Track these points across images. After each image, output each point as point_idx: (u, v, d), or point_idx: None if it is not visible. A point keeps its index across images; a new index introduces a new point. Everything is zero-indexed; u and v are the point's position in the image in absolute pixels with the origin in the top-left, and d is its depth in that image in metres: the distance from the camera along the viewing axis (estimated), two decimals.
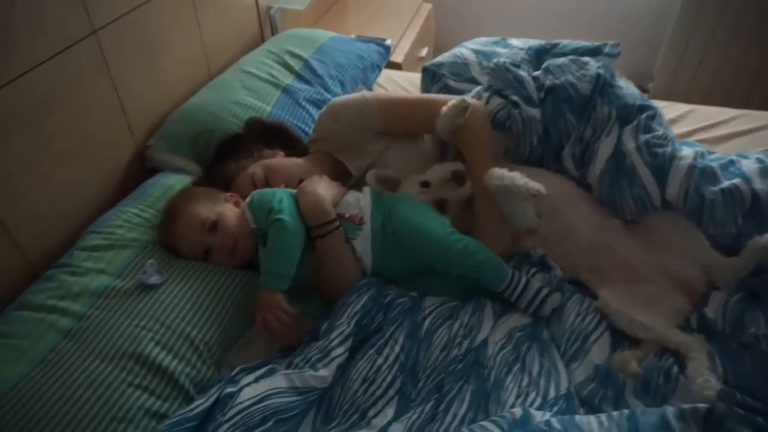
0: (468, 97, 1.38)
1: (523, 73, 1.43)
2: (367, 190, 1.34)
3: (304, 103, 1.67)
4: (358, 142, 1.44)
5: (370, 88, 2.00)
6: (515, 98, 1.39)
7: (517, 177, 1.25)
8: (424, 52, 2.69)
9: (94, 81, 1.33)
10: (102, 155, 1.40)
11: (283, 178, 1.36)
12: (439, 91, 1.69)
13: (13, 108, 1.14)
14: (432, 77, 1.74)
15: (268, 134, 1.49)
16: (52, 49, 1.20)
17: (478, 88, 1.54)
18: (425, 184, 1.37)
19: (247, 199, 1.28)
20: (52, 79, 1.21)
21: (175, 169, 1.48)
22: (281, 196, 1.25)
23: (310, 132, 1.62)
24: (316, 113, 1.67)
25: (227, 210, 1.26)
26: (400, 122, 1.44)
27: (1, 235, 1.15)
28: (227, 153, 1.44)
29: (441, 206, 1.32)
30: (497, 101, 1.41)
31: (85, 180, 1.35)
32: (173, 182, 1.41)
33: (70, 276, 1.13)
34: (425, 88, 1.75)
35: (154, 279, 1.13)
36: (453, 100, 1.36)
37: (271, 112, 1.60)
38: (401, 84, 2.06)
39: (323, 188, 1.27)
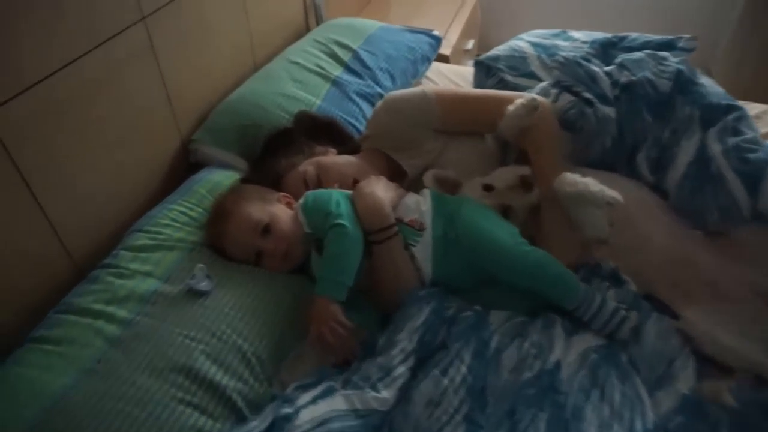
0: (537, 96, 1.28)
1: (595, 68, 1.32)
2: (427, 192, 1.25)
3: (354, 96, 1.58)
4: (415, 140, 1.35)
5: (419, 82, 1.90)
6: (588, 95, 1.28)
7: (591, 183, 1.14)
8: (470, 44, 2.58)
9: (141, 68, 1.26)
10: (148, 147, 1.34)
11: (337, 177, 1.28)
12: (494, 86, 1.59)
13: (63, 95, 1.07)
14: (487, 71, 1.64)
15: (318, 129, 1.41)
16: (102, 35, 1.13)
17: (543, 84, 1.43)
18: (488, 188, 1.28)
19: (301, 201, 1.20)
20: (102, 66, 1.15)
21: (220, 165, 1.41)
22: (337, 198, 1.17)
23: (361, 128, 1.54)
24: (366, 108, 1.59)
25: (280, 212, 1.18)
26: (461, 120, 1.34)
27: (44, 229, 1.09)
28: (276, 148, 1.37)
29: (504, 213, 1.23)
30: (567, 99, 1.30)
31: (130, 173, 1.29)
32: (220, 178, 1.33)
33: (116, 278, 1.07)
34: (478, 83, 1.64)
35: (203, 285, 1.06)
36: (521, 98, 1.26)
37: (320, 105, 1.52)
38: (451, 78, 1.96)
39: (381, 190, 1.19)
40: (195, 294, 1.05)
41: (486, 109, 1.31)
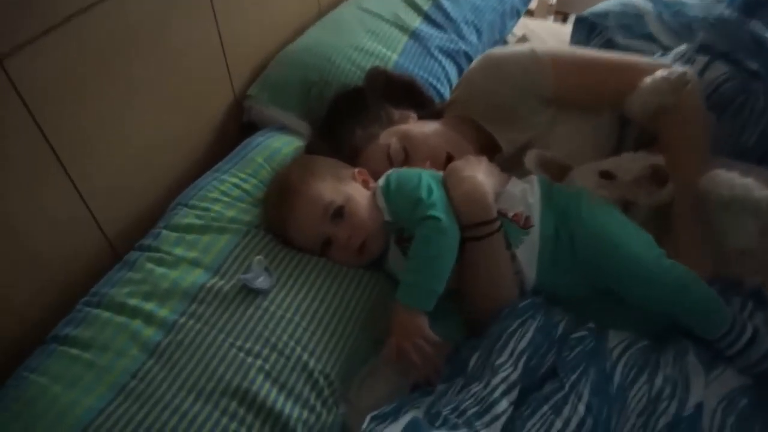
0: (687, 68, 1.01)
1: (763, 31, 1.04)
2: (534, 180, 1.01)
3: (435, 52, 1.33)
4: (516, 111, 1.11)
5: (507, 39, 1.63)
6: (754, 66, 1.01)
7: (753, 187, 0.89)
8: None
9: (192, 10, 1.04)
10: (195, 102, 1.13)
11: (428, 153, 1.05)
12: (600, 48, 1.31)
13: (100, 38, 0.87)
14: (590, 30, 1.37)
15: (395, 90, 1.17)
16: None
17: (681, 48, 1.16)
18: (607, 176, 1.03)
19: (381, 182, 0.98)
20: (147, 6, 0.93)
21: (279, 128, 1.20)
22: (428, 181, 0.94)
23: (443, 90, 1.30)
24: (449, 66, 1.34)
25: (357, 193, 0.97)
26: (579, 90, 1.08)
27: (69, 195, 0.90)
28: (345, 112, 1.14)
29: (624, 210, 0.99)
30: (720, 69, 1.04)
31: (173, 134, 1.09)
32: (279, 145, 1.12)
33: (157, 265, 0.88)
34: (578, 43, 1.38)
35: (261, 282, 0.87)
36: (664, 69, 1.00)
37: (397, 61, 1.28)
38: (542, 36, 1.69)
39: (483, 173, 0.96)
40: (251, 292, 0.86)
41: (614, 80, 1.05)
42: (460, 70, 1.36)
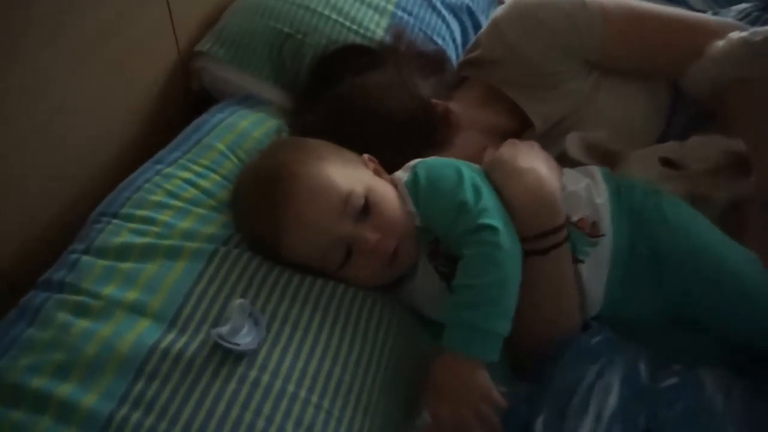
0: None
1: None
2: (598, 173, 0.77)
3: (439, 5, 1.04)
4: (554, 75, 0.86)
5: None
6: None
7: None
8: None
9: None
10: (120, 65, 0.79)
11: (468, 138, 0.79)
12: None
13: None
14: None
15: (419, 60, 0.89)
16: None
17: (742, 5, 0.95)
18: (670, 165, 0.81)
19: (406, 176, 0.70)
20: None
21: (243, 99, 0.88)
22: (471, 176, 0.68)
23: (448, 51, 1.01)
24: (454, 24, 1.06)
25: (377, 183, 0.70)
26: (632, 53, 0.86)
27: None
28: (354, 67, 0.84)
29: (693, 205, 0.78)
30: None
31: (87, 110, 0.75)
32: (246, 125, 0.81)
33: (76, 316, 0.56)
34: None
35: (244, 337, 0.57)
36: (739, 31, 0.79)
37: (393, 13, 0.98)
38: None
39: (544, 164, 0.70)
40: (229, 355, 0.56)
41: (678, 41, 0.83)
42: (464, 29, 1.08)
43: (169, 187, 0.70)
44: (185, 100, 0.91)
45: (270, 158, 0.70)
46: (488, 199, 0.65)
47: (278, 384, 0.56)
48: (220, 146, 0.77)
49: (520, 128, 0.89)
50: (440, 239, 0.68)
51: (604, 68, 0.88)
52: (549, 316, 0.69)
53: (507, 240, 0.62)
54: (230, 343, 0.56)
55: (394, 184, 0.71)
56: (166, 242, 0.64)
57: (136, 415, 0.51)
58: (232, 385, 0.55)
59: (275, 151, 0.72)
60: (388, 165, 0.74)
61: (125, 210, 0.67)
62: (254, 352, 0.57)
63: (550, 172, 0.70)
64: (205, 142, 0.77)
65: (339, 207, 0.65)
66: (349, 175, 0.67)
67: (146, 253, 0.63)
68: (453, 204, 0.65)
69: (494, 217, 0.63)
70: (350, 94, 0.80)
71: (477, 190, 0.65)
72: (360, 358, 0.62)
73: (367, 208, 0.66)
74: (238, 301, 0.57)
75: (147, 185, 0.70)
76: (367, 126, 0.77)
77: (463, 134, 0.82)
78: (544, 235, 0.67)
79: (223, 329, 0.57)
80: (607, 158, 0.84)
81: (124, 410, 0.51)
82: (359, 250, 0.65)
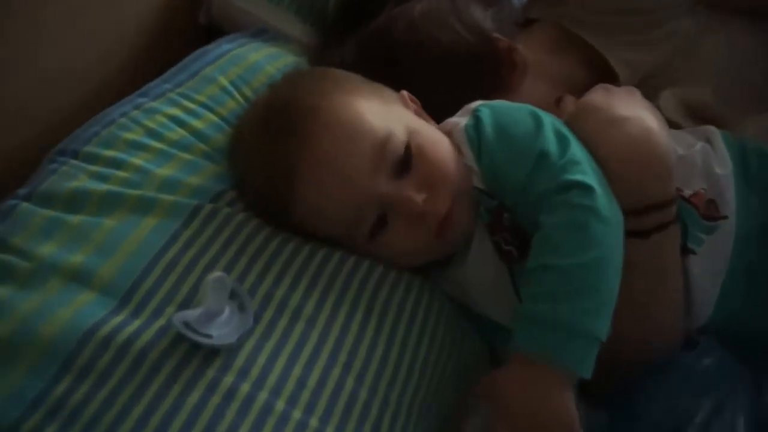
0: None
1: None
2: (717, 135, 0.58)
3: None
4: (651, 11, 0.68)
5: None
6: None
7: None
8: None
9: None
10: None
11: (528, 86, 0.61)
12: None
13: None
14: None
15: None
16: None
17: None
18: None
19: (464, 121, 0.52)
20: None
21: (258, 32, 0.71)
22: (551, 121, 0.50)
23: None
24: None
25: (422, 125, 0.52)
26: None
27: None
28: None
29: None
30: None
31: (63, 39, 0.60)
32: (259, 58, 0.65)
33: None
34: None
35: (221, 326, 0.40)
36: None
37: None
38: None
39: (653, 116, 0.52)
40: (199, 351, 0.40)
41: None
42: None
43: (150, 124, 0.54)
44: (192, 37, 0.75)
45: (284, 90, 0.53)
46: (578, 150, 0.47)
47: (262, 397, 0.39)
48: (223, 80, 0.60)
49: (599, 82, 0.70)
50: (506, 206, 0.49)
51: (717, 4, 0.69)
52: (642, 323, 0.50)
53: (606, 204, 0.44)
54: (199, 333, 0.40)
55: (446, 133, 0.53)
56: (135, 192, 0.48)
57: (50, 430, 0.35)
58: (197, 393, 0.38)
59: (291, 81, 0.55)
60: (434, 114, 0.56)
61: (89, 149, 0.51)
62: (234, 348, 0.41)
63: (660, 125, 0.51)
64: (205, 74, 0.61)
65: (373, 155, 0.47)
66: (386, 114, 0.50)
67: (105, 205, 0.47)
68: (530, 155, 0.46)
69: (587, 173, 0.45)
70: (390, 26, 0.62)
71: (562, 139, 0.47)
72: (383, 367, 0.45)
73: (409, 158, 0.49)
74: (214, 276, 0.40)
75: (122, 120, 0.54)
76: (411, 64, 0.60)
77: (529, 82, 0.64)
78: (647, 211, 0.48)
79: (192, 314, 0.40)
80: (713, 124, 0.65)
81: (33, 420, 0.35)
82: (398, 213, 0.48)
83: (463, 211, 0.50)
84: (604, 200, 0.44)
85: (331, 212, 0.49)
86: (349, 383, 0.43)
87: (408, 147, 0.49)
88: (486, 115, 0.51)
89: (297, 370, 0.41)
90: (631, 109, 0.50)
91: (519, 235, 0.48)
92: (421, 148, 0.49)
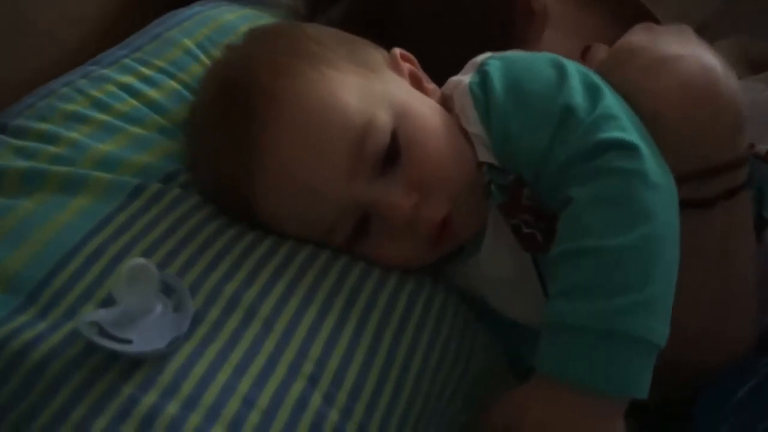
0: None
1: None
2: None
3: None
4: None
5: None
6: None
7: None
8: None
9: None
10: None
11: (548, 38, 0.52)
12: None
13: None
14: None
15: None
16: None
17: None
18: None
19: (468, 79, 0.42)
20: None
21: None
22: (577, 68, 0.39)
23: None
24: None
25: (414, 99, 0.42)
26: None
27: None
28: None
29: None
30: None
31: None
32: (232, 18, 0.56)
33: None
34: None
35: (147, 330, 0.32)
36: None
37: None
38: None
39: (712, 54, 0.40)
40: (114, 362, 0.31)
41: None
42: None
43: (97, 94, 0.46)
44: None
45: (239, 59, 0.44)
46: (613, 102, 0.36)
47: (194, 421, 0.30)
48: (187, 43, 0.52)
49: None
50: (525, 178, 0.39)
51: None
52: (706, 319, 0.40)
53: (654, 166, 0.34)
54: (115, 338, 0.31)
55: (444, 101, 0.43)
56: (62, 169, 0.40)
57: None
58: (103, 420, 0.29)
59: (249, 46, 0.45)
60: (437, 74, 0.47)
61: (19, 122, 0.44)
62: (162, 357, 0.32)
63: (726, 66, 0.39)
64: (167, 36, 0.52)
65: (349, 151, 0.38)
66: (368, 90, 0.40)
67: (26, 184, 0.39)
68: (552, 112, 0.36)
69: (627, 129, 0.34)
70: None
71: (593, 90, 0.37)
72: (362, 383, 0.35)
73: (396, 150, 0.39)
74: (134, 263, 0.32)
75: (64, 90, 0.46)
76: (407, 13, 0.51)
77: (549, 35, 0.54)
78: (711, 174, 0.38)
79: (107, 314, 0.32)
80: None
81: None
82: (382, 221, 0.39)
83: (467, 211, 0.40)
84: (651, 161, 0.33)
85: (298, 222, 0.40)
86: (315, 402, 0.33)
87: (395, 136, 0.39)
88: (495, 69, 0.40)
89: (244, 386, 0.32)
90: (684, 47, 0.39)
91: (543, 216, 0.38)
92: (413, 137, 0.40)
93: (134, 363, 0.31)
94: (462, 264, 0.44)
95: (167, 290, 0.35)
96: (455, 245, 0.43)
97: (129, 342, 0.31)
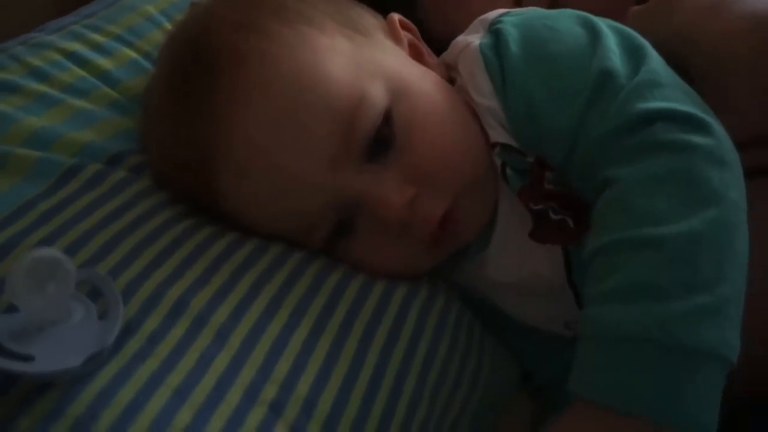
0: None
1: None
2: None
3: None
4: None
5: None
6: None
7: None
8: None
9: None
10: None
11: None
12: None
13: None
14: None
15: None
16: None
17: None
18: None
19: (476, 41, 0.34)
20: None
21: None
22: (612, 26, 0.31)
23: None
24: None
25: (412, 72, 0.35)
26: None
27: None
28: None
29: None
30: None
31: None
32: None
33: None
34: None
35: (58, 344, 0.24)
36: None
37: None
38: None
39: None
40: (20, 386, 0.24)
41: None
42: None
43: (35, 61, 0.39)
44: None
45: (200, 15, 0.37)
46: (659, 64, 0.29)
47: None
48: (149, 9, 0.45)
49: None
50: (549, 159, 0.32)
51: None
52: None
53: (716, 138, 0.27)
54: (11, 354, 0.24)
55: (448, 73, 0.36)
56: None
57: None
58: None
59: (221, 2, 0.38)
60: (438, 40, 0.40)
61: None
62: (77, 379, 0.25)
63: None
64: (126, 2, 0.46)
65: (333, 134, 0.32)
66: (358, 59, 0.34)
67: None
68: (585, 77, 0.29)
69: (676, 97, 0.28)
70: None
71: (633, 50, 0.30)
72: (341, 409, 0.28)
73: (390, 134, 0.32)
74: (38, 254, 0.24)
75: None
76: None
77: None
78: None
79: (3, 321, 0.24)
80: None
81: None
82: (369, 218, 0.32)
83: (473, 206, 0.34)
84: (713, 132, 0.26)
85: (268, 214, 0.33)
86: None
87: (389, 116, 0.32)
88: (511, 27, 0.33)
89: (184, 416, 0.25)
90: None
91: (572, 203, 0.31)
92: (411, 119, 0.33)
93: (39, 388, 0.24)
94: (467, 260, 0.37)
95: (94, 293, 0.28)
96: (459, 248, 0.36)
97: (29, 359, 0.24)
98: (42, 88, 0.38)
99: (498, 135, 0.33)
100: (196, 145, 0.33)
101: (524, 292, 0.36)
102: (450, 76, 0.37)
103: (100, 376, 0.25)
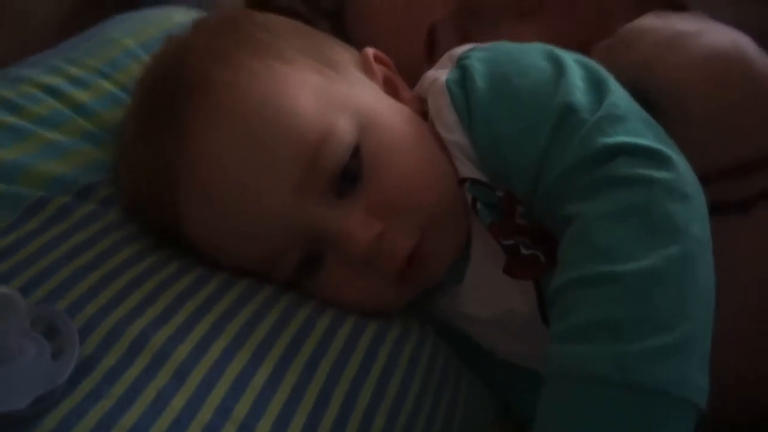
0: None
1: None
2: None
3: None
4: None
5: None
6: None
7: None
8: None
9: None
10: None
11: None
12: None
13: None
14: None
15: None
16: None
17: None
18: None
19: (444, 75, 0.35)
20: None
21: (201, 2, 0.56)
22: (577, 60, 0.32)
23: None
24: None
25: (382, 105, 0.35)
26: None
27: None
28: None
29: None
30: None
31: None
32: (180, 19, 0.49)
33: None
34: None
35: (6, 383, 0.24)
36: None
37: None
38: None
39: (737, 33, 0.33)
40: None
41: None
42: None
43: (9, 94, 0.39)
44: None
45: (173, 47, 0.37)
46: (622, 98, 0.29)
47: None
48: (128, 42, 0.45)
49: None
50: (517, 193, 0.31)
51: None
52: (754, 356, 0.32)
53: (678, 172, 0.27)
54: None
55: (420, 105, 0.36)
56: None
57: None
58: None
59: (187, 33, 0.38)
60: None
61: None
62: (22, 422, 0.24)
63: (753, 43, 0.32)
64: (107, 36, 0.46)
65: (299, 167, 0.31)
66: (327, 94, 0.34)
67: None
68: (548, 111, 0.29)
69: (638, 131, 0.27)
70: None
71: (596, 84, 0.30)
72: None
73: (358, 169, 0.32)
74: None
75: None
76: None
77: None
78: (745, 170, 0.31)
79: None
80: None
81: None
82: (336, 252, 0.32)
83: (442, 241, 0.34)
84: (674, 166, 0.26)
85: (231, 245, 0.33)
86: None
87: (357, 151, 0.32)
88: (477, 62, 0.33)
89: None
90: (703, 24, 0.33)
91: (543, 237, 0.31)
92: (379, 152, 0.33)
93: None
94: (442, 295, 0.36)
95: (51, 330, 0.27)
96: (429, 284, 0.35)
97: None
98: (11, 119, 0.38)
99: (467, 170, 0.33)
100: (161, 169, 0.33)
101: (500, 327, 0.35)
102: (424, 109, 0.37)
103: (51, 417, 0.24)
